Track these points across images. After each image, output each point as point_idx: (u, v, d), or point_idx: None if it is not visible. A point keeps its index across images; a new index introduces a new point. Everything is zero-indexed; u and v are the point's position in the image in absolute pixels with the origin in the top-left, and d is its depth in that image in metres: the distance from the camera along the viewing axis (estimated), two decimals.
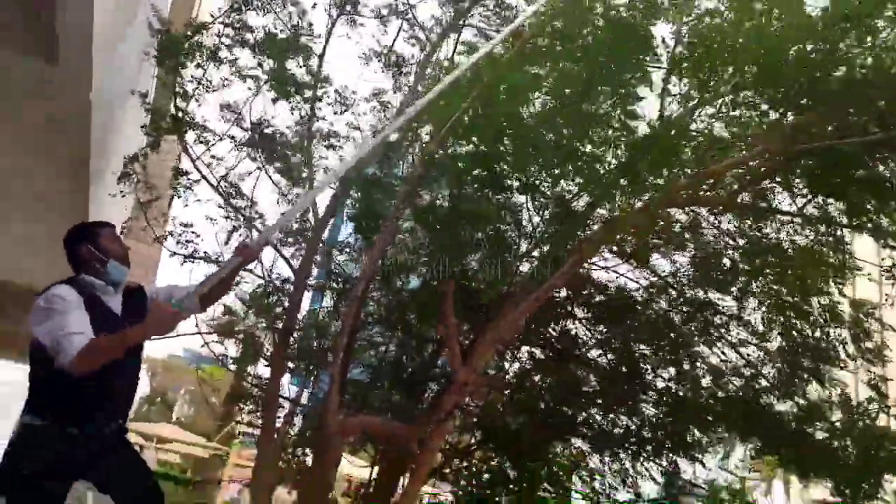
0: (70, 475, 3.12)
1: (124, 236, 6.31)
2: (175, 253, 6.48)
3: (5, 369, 7.97)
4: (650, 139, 4.80)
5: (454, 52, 6.74)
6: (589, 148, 4.76)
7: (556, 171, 4.84)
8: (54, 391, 2.84)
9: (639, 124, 5.19)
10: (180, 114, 6.42)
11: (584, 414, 7.02)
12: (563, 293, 6.41)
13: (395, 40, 7.19)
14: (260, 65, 6.45)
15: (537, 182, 5.47)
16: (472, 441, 7.63)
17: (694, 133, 5.15)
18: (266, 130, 6.75)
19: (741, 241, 5.56)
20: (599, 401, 6.96)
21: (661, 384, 6.80)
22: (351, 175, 6.38)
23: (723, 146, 4.86)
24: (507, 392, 6.95)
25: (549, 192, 5.15)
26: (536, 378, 7.26)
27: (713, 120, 5.29)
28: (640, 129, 4.98)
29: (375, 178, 6.45)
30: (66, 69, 3.49)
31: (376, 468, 7.22)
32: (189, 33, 6.16)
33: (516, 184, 5.34)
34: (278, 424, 6.65)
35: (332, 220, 6.61)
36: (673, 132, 4.94)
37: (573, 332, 6.96)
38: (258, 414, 7.21)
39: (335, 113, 7.09)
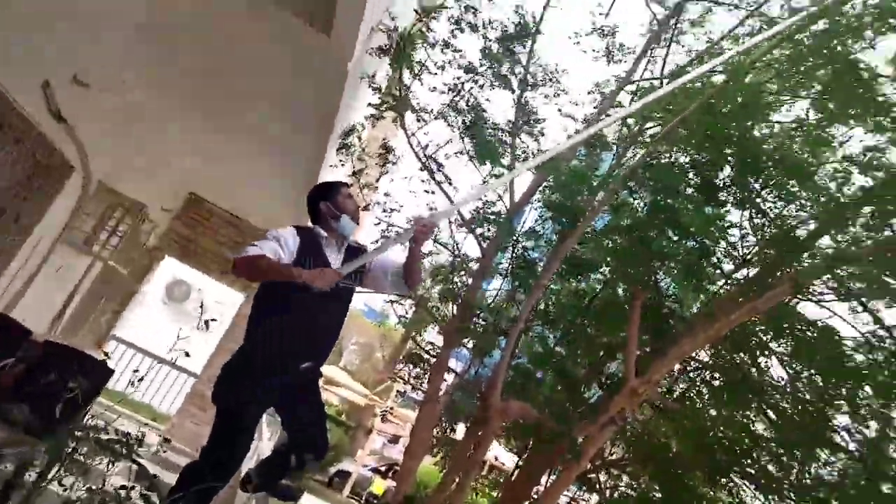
0: (264, 405, 3.51)
1: None
2: (379, 221, 7.05)
3: (228, 293, 9.24)
4: None
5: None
6: (828, 169, 4.36)
7: (785, 191, 4.49)
8: (260, 329, 3.21)
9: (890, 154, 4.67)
10: (404, 92, 6.94)
11: (754, 455, 6.50)
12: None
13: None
14: (484, 52, 6.72)
15: (758, 198, 5.11)
16: (624, 456, 7.41)
17: None
18: (476, 115, 7.01)
19: None
20: (773, 445, 6.41)
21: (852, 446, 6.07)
22: (552, 163, 6.44)
23: None
24: (670, 413, 6.64)
25: (770, 212, 4.79)
26: (708, 405, 6.85)
27: None
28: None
29: (578, 169, 6.42)
30: (336, 40, 3.91)
31: (522, 457, 7.29)
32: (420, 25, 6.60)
33: (731, 198, 5.04)
34: (440, 393, 6.96)
35: (527, 206, 6.72)
36: None
37: (761, 364, 6.46)
38: (423, 378, 7.62)
39: (546, 98, 7.18)
